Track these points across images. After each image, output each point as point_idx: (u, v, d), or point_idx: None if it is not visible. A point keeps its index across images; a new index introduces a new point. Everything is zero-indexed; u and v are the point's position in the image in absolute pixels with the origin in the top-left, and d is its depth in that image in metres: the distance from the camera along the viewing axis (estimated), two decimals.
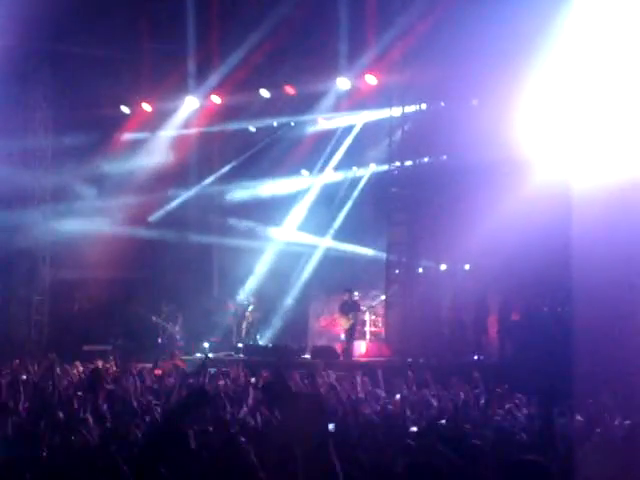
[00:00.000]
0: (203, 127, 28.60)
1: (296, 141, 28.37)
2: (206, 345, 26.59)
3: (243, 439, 8.56)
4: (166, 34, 26.78)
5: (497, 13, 21.19)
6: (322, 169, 29.06)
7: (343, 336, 26.34)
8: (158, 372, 19.05)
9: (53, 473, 9.07)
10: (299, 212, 29.19)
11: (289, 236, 29.22)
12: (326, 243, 28.78)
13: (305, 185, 29.37)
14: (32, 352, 23.19)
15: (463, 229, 23.89)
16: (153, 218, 29.12)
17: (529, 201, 21.23)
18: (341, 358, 24.17)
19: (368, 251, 27.56)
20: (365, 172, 28.66)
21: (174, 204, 29.52)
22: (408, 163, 24.82)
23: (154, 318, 27.10)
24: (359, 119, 27.75)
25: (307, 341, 26.82)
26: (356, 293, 26.38)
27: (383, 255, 25.55)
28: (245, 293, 28.31)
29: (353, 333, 25.12)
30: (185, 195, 29.70)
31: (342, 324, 25.44)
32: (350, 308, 25.19)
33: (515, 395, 14.78)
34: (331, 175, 29.06)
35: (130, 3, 26.29)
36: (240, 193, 29.58)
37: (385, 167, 26.05)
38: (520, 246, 21.93)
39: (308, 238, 28.92)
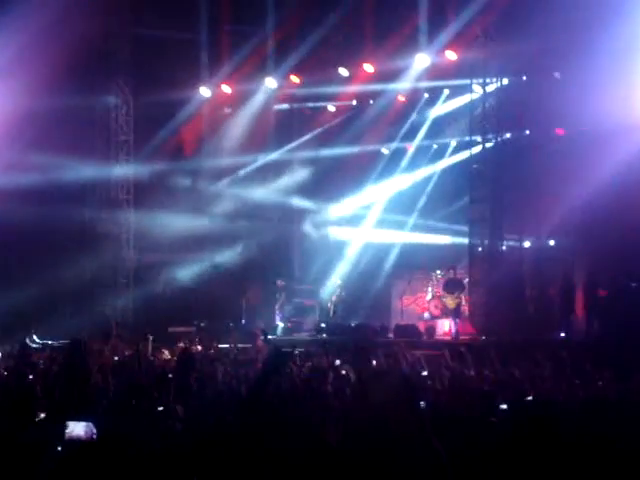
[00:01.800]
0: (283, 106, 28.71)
1: (375, 118, 28.23)
2: (281, 325, 26.73)
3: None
4: (245, 16, 26.87)
5: None
6: (403, 143, 28.88)
7: (427, 315, 26.21)
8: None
9: (142, 454, 9.11)
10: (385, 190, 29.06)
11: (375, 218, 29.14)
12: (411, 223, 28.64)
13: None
14: (119, 335, 23.35)
15: (547, 205, 23.61)
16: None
17: (617, 174, 20.84)
18: (424, 337, 24.00)
19: (445, 238, 27.38)
20: (447, 148, 28.42)
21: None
22: (489, 141, 24.49)
23: (278, 282, 27.31)
24: (439, 95, 27.53)
25: (390, 320, 26.68)
26: (438, 271, 26.30)
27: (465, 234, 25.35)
28: (332, 275, 28.25)
29: (459, 311, 24.80)
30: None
31: (448, 303, 25.14)
32: (456, 286, 24.92)
33: (603, 372, 14.49)
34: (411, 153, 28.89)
35: None
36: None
37: (466, 142, 25.75)
38: (606, 221, 21.56)
39: (394, 218, 28.79)
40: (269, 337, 16.78)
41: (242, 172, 29.41)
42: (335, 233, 29.58)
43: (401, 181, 29.21)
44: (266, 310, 27.47)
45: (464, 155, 26.17)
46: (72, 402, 11.33)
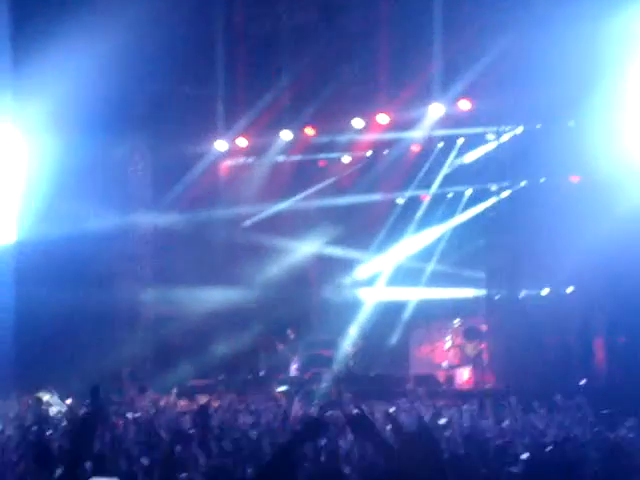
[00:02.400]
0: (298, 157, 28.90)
1: (389, 167, 28.36)
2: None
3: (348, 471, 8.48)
4: (261, 70, 27.23)
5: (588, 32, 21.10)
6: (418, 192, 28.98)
7: (445, 364, 26.11)
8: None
9: None
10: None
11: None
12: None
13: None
14: (137, 388, 23.36)
15: (564, 251, 23.58)
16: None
17: (631, 219, 20.87)
18: (443, 386, 23.92)
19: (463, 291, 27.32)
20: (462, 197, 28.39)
21: None
22: (505, 189, 24.57)
23: (281, 347, 27.20)
24: (453, 145, 27.63)
25: (409, 370, 26.58)
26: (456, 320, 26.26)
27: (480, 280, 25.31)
28: (350, 325, 28.10)
29: (481, 360, 24.72)
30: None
31: (468, 352, 25.10)
32: (475, 334, 24.88)
33: (626, 418, 14.41)
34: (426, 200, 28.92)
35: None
36: None
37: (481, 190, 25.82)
38: (624, 266, 21.53)
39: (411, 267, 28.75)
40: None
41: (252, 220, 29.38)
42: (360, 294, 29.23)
43: (424, 235, 28.99)
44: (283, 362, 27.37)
45: (481, 206, 26.18)
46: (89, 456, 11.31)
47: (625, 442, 12.11)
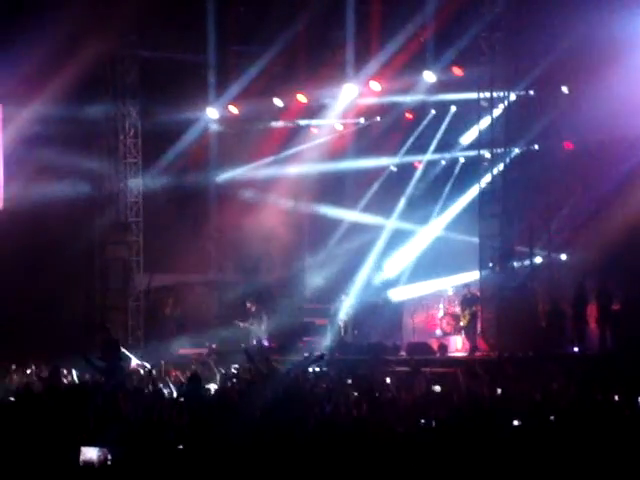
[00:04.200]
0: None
1: (382, 134, 28.29)
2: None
3: None
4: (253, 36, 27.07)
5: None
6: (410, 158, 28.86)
7: (439, 332, 26.08)
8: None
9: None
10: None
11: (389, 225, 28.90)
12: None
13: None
14: None
15: (558, 219, 23.55)
16: None
17: (624, 186, 20.81)
18: (437, 354, 23.90)
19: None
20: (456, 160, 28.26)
21: None
22: (498, 156, 24.42)
23: (239, 323, 26.92)
24: (447, 112, 27.49)
25: (402, 338, 26.54)
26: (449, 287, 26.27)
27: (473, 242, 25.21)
28: (343, 294, 27.99)
29: (475, 326, 24.71)
30: None
31: (461, 319, 25.12)
32: (470, 301, 24.85)
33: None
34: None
35: None
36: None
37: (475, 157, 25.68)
38: (617, 233, 21.48)
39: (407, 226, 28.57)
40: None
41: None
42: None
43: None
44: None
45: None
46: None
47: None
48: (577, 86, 23.41)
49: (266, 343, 26.44)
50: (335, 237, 29.11)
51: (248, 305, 27.13)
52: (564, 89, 24.12)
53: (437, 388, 14.91)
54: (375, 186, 28.98)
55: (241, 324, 26.73)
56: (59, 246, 25.68)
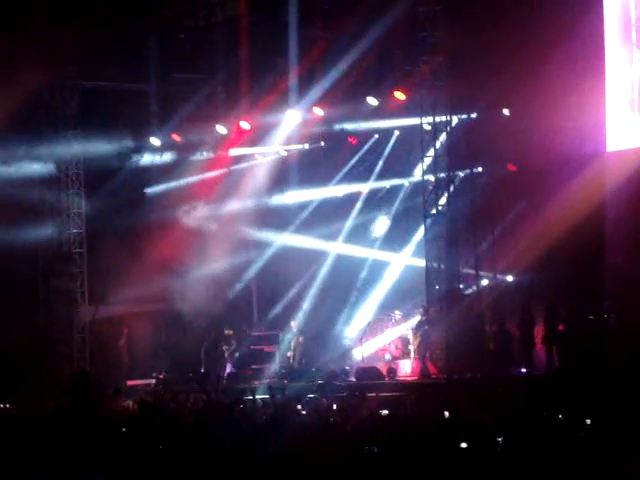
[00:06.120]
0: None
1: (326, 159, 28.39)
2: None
3: None
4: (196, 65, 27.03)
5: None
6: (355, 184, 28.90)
7: (388, 356, 26.00)
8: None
9: None
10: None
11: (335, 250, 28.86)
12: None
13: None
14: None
15: (503, 240, 23.64)
16: None
17: (565, 207, 20.96)
18: (386, 379, 23.83)
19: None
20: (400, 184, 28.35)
21: None
22: (443, 180, 24.49)
23: (223, 346, 26.95)
24: (390, 137, 27.61)
25: (351, 363, 26.44)
26: (397, 312, 26.23)
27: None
28: (291, 320, 27.90)
29: (425, 349, 24.64)
30: None
31: (413, 342, 25.05)
32: (422, 324, 24.80)
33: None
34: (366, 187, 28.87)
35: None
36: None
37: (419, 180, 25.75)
38: (562, 254, 21.62)
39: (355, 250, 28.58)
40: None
41: None
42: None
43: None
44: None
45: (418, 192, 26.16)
46: None
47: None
48: (518, 108, 23.57)
49: (229, 369, 26.60)
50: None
51: (226, 332, 27.31)
52: (505, 111, 24.28)
53: (384, 412, 14.82)
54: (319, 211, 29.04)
55: (224, 347, 26.93)
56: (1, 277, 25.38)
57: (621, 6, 21.68)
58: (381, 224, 28.72)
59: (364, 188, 28.89)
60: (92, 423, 14.22)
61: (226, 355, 26.88)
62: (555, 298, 23.18)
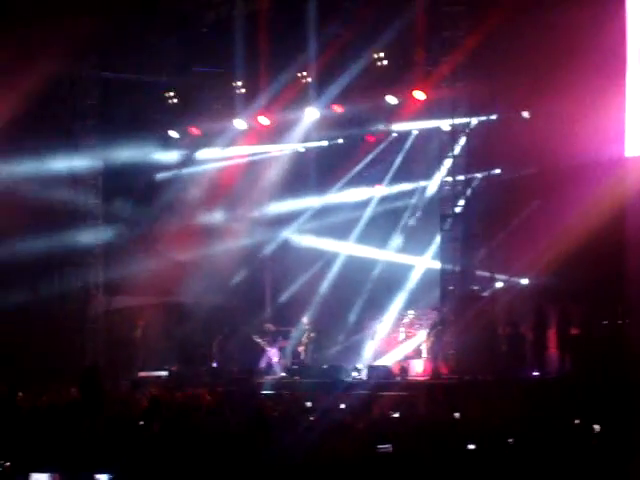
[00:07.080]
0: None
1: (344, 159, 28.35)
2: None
3: None
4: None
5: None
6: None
7: (400, 355, 26.01)
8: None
9: None
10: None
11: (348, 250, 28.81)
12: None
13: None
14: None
15: (519, 243, 23.59)
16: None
17: (585, 212, 20.87)
18: (398, 378, 23.83)
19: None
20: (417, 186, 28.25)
21: None
22: (460, 182, 24.47)
23: (256, 338, 27.13)
24: (408, 135, 27.56)
25: (363, 361, 26.45)
26: (411, 311, 26.22)
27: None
28: (303, 314, 27.92)
29: (437, 349, 24.64)
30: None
31: (427, 343, 25.06)
32: (436, 325, 24.79)
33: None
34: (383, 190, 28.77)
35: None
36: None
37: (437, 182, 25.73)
38: (578, 258, 21.54)
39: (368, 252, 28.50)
40: None
41: None
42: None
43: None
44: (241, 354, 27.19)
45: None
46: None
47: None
48: (538, 111, 23.52)
49: (276, 360, 26.86)
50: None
51: (267, 327, 27.65)
52: (525, 114, 24.24)
53: (395, 415, 14.82)
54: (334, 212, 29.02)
55: (259, 340, 27.18)
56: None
57: None
58: (400, 225, 28.62)
59: (381, 190, 28.78)
60: (101, 417, 14.20)
61: (269, 348, 26.94)
62: (569, 302, 23.15)
